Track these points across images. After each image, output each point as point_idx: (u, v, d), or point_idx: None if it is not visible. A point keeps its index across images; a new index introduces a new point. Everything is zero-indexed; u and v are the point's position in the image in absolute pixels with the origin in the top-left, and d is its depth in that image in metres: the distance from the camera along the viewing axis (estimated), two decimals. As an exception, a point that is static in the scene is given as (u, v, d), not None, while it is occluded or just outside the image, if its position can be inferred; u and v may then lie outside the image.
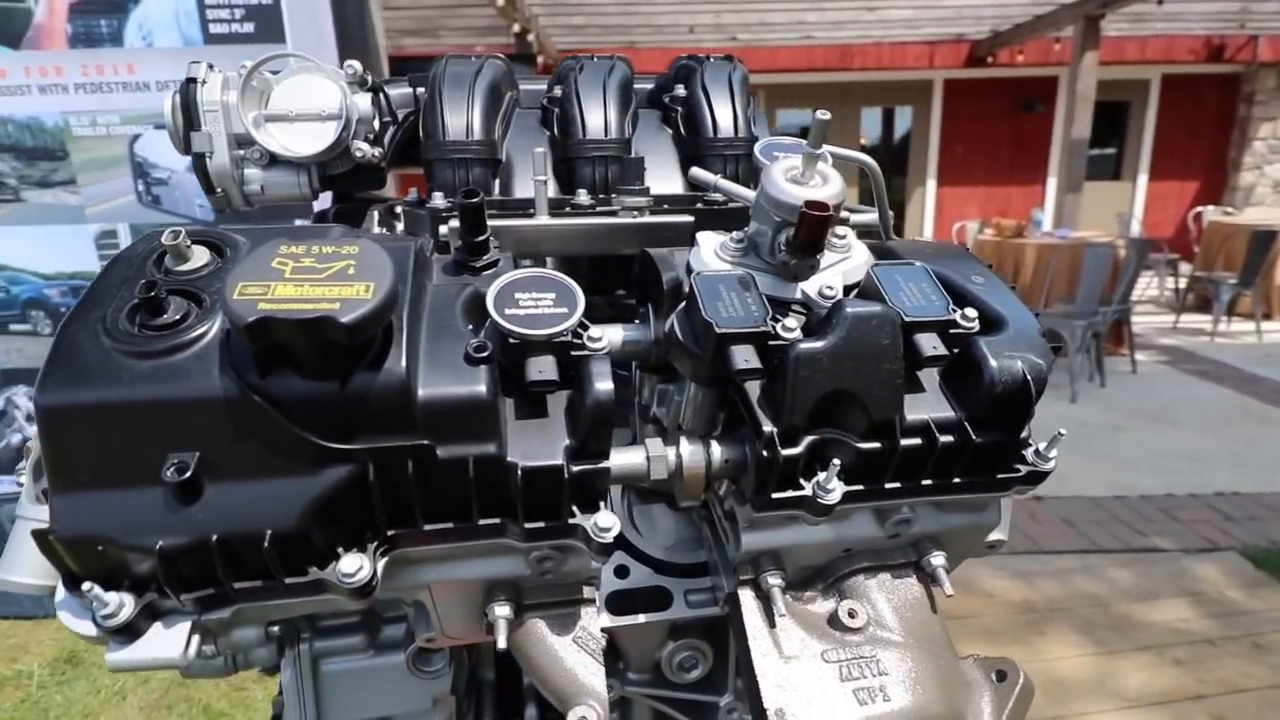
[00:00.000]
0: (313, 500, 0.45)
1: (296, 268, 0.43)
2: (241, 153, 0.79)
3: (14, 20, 2.17)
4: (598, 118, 0.79)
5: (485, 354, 0.49)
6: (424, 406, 0.47)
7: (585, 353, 0.51)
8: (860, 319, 0.52)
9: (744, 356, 0.52)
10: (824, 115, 0.55)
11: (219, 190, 0.79)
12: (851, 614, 0.60)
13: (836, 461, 0.52)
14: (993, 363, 0.53)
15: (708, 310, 0.53)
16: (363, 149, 0.81)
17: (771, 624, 0.59)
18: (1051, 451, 0.57)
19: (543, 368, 0.50)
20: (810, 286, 0.57)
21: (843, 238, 0.61)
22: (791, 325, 0.53)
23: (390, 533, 0.50)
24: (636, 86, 0.88)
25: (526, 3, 6.74)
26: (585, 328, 0.53)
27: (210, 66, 0.78)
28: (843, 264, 0.59)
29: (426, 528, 0.50)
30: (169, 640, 0.46)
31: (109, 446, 0.43)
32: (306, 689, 0.66)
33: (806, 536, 0.59)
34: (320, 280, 0.42)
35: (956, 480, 0.57)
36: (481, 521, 0.51)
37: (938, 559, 0.62)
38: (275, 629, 0.56)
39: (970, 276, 0.61)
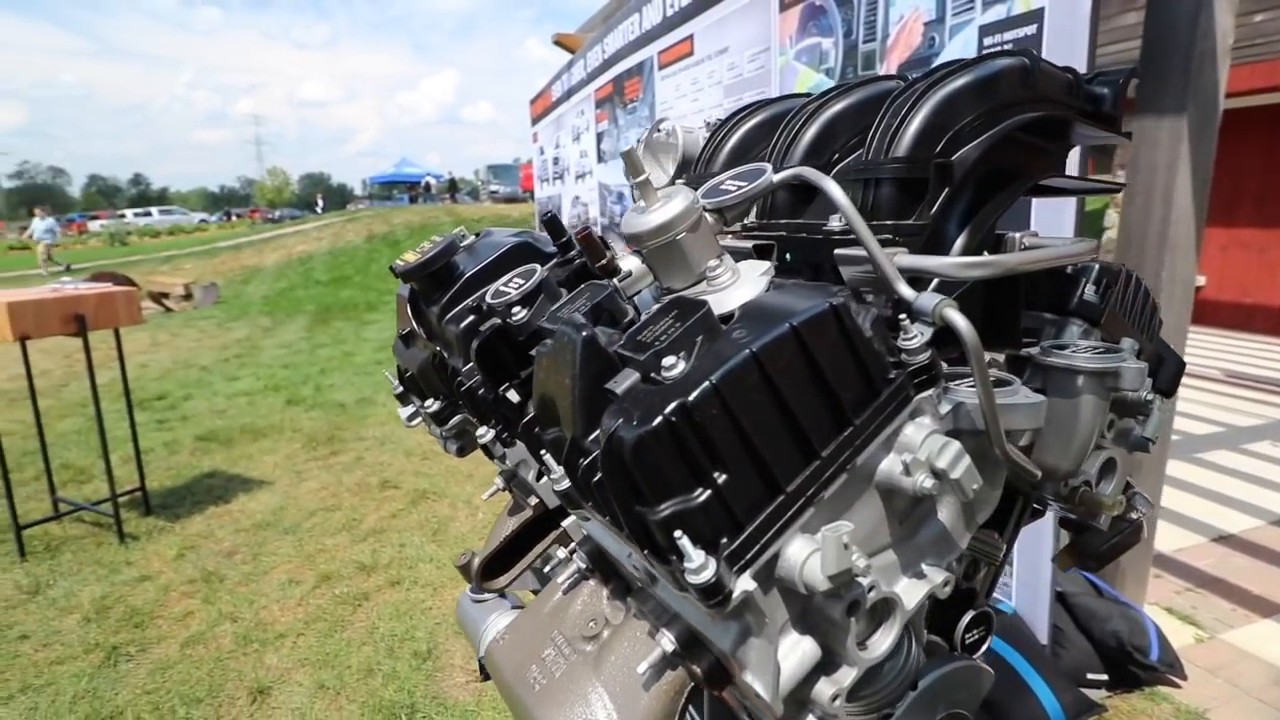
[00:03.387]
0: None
1: (417, 248, 0.86)
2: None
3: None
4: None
5: (477, 305, 0.80)
6: (444, 327, 0.83)
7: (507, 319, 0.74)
8: (557, 336, 0.57)
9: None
10: (628, 147, 0.58)
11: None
12: (593, 624, 0.61)
13: (546, 454, 0.59)
14: (610, 411, 0.48)
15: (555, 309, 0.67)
16: (703, 176, 1.09)
17: (566, 591, 0.67)
18: (696, 564, 0.44)
19: (482, 323, 0.77)
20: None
21: (717, 272, 0.58)
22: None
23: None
24: None
25: None
26: (523, 303, 0.74)
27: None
28: (698, 291, 0.59)
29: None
30: (407, 413, 1.00)
31: (403, 320, 0.98)
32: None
33: (605, 539, 0.64)
34: (418, 253, 0.85)
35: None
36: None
37: (663, 638, 0.54)
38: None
39: (733, 332, 0.48)
